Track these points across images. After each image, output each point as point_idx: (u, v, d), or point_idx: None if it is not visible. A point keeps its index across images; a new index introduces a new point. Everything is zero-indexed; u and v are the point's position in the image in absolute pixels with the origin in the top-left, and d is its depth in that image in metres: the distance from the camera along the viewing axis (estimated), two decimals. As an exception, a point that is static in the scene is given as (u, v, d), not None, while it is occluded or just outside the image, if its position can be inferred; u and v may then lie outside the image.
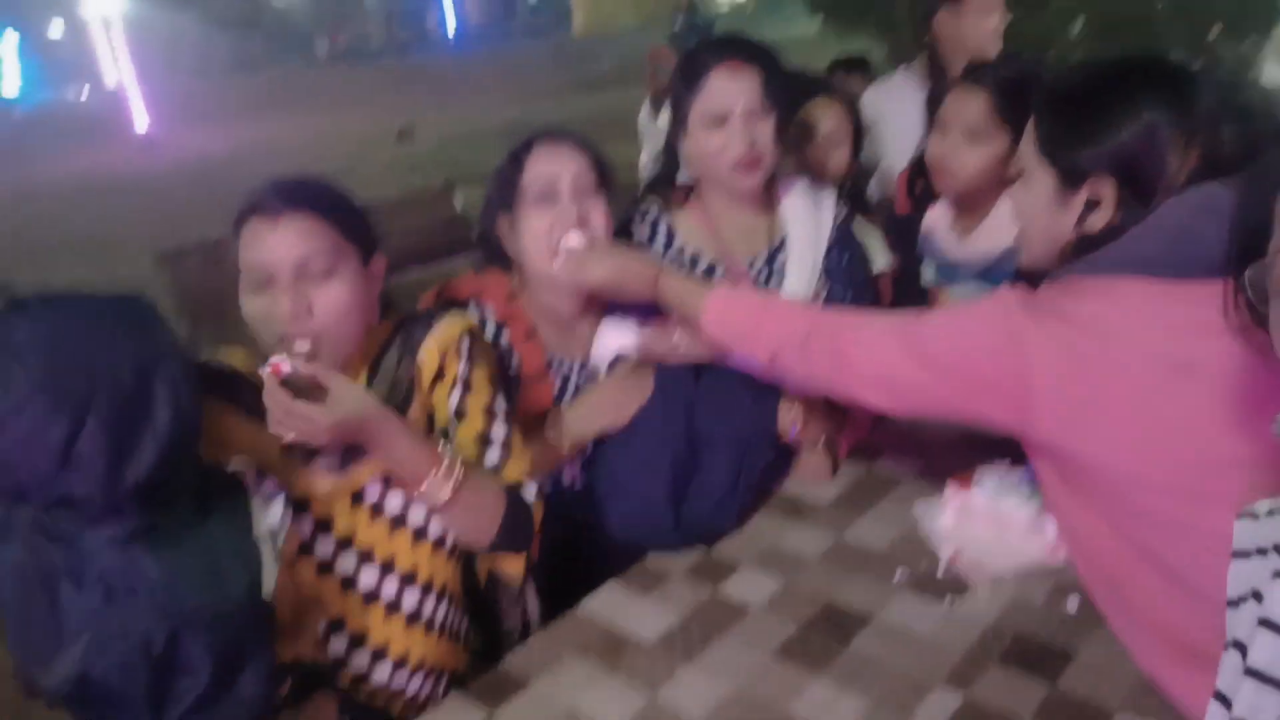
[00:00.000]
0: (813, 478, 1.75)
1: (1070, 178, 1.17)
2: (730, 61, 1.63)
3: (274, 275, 1.23)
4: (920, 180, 2.10)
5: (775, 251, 1.79)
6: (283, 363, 1.14)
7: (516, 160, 1.59)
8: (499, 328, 1.62)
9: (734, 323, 1.45)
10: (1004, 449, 1.75)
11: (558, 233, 1.55)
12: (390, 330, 1.39)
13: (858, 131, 2.13)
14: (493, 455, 1.40)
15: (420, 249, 6.79)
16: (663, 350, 1.61)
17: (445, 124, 13.89)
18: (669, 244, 1.78)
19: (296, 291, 1.23)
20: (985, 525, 1.51)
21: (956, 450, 1.79)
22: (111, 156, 15.67)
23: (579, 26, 30.11)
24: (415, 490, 1.27)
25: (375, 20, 37.48)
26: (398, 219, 7.16)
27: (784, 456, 1.79)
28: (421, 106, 15.90)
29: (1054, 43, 5.67)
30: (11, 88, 33.90)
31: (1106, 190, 1.15)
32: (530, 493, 1.41)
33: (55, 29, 33.54)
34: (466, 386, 1.38)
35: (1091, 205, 1.16)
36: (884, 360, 1.28)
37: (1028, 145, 1.23)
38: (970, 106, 1.81)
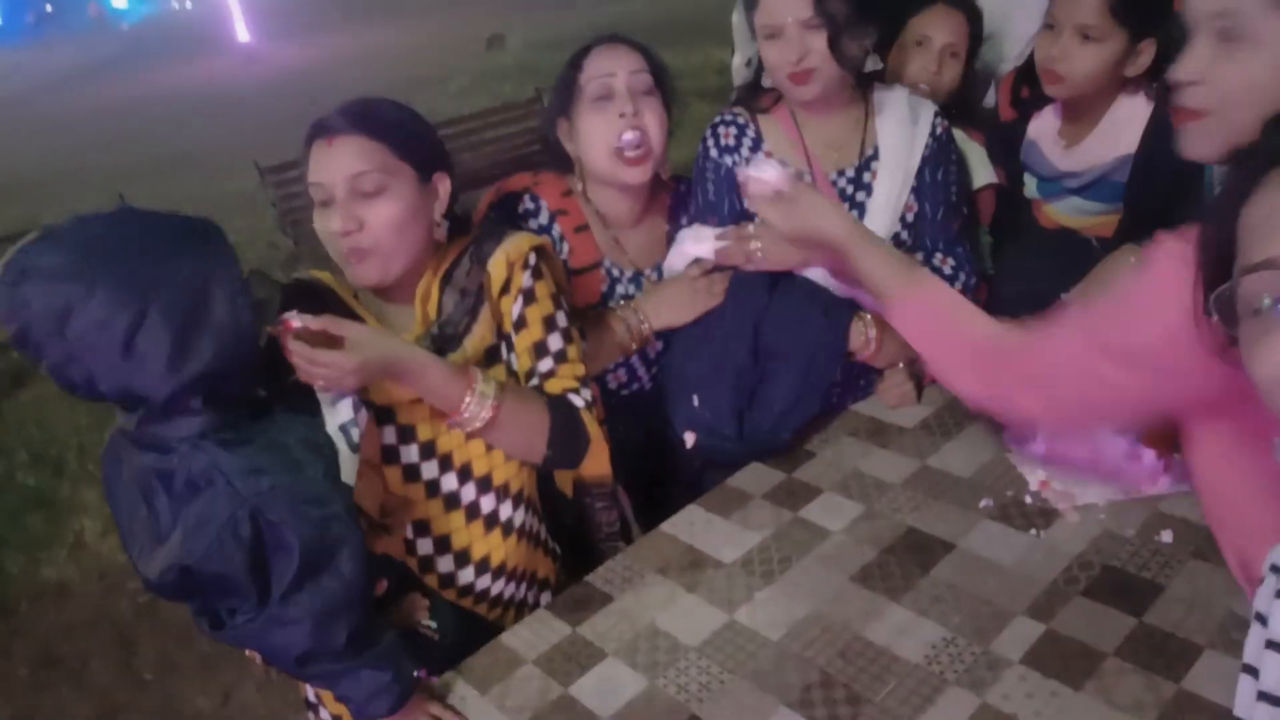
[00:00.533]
0: (895, 402, 1.72)
1: None
2: None
3: (330, 194, 1.31)
4: (1025, 85, 1.98)
5: (864, 165, 1.73)
6: (293, 319, 1.18)
7: (575, 64, 1.63)
8: (551, 217, 1.66)
9: (922, 333, 1.29)
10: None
11: (615, 130, 1.58)
12: (463, 245, 1.44)
13: (975, 41, 1.99)
14: (545, 364, 1.43)
15: (513, 159, 6.84)
16: (739, 259, 1.60)
17: (534, 29, 13.73)
18: (755, 149, 1.75)
19: (349, 209, 1.31)
20: (1079, 452, 1.47)
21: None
22: (215, 69, 16.06)
23: (672, -80, 29.00)
24: (454, 417, 1.31)
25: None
26: (490, 129, 7.22)
27: (865, 376, 1.77)
28: (513, 10, 15.71)
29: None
30: (120, 0, 34.85)
31: None
32: (580, 400, 1.43)
33: (158, -59, 34.07)
34: (529, 297, 1.42)
35: None
36: (1081, 374, 1.09)
37: None
38: (1084, 3, 1.69)
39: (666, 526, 1.51)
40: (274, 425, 1.14)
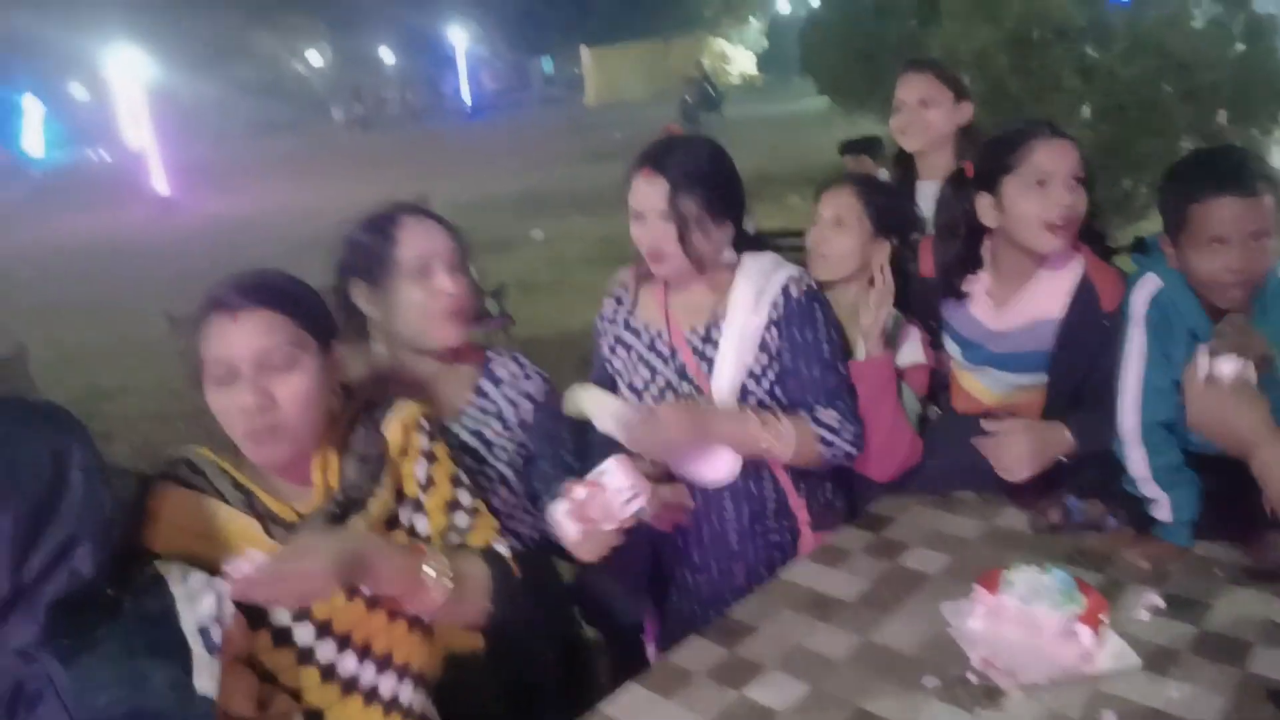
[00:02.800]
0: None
1: None
2: (646, 169, 1.80)
3: (236, 369, 1.27)
4: (955, 246, 1.99)
5: (714, 324, 1.87)
6: (238, 566, 1.14)
7: (384, 233, 1.66)
8: None
9: None
10: (1029, 546, 1.74)
11: (436, 304, 1.65)
12: (354, 412, 1.43)
13: (876, 210, 2.03)
14: (461, 519, 1.46)
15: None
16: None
17: (458, 191, 14.07)
18: (629, 317, 1.96)
19: (258, 385, 1.27)
20: (1016, 630, 1.48)
21: (983, 546, 1.78)
22: (131, 218, 15.90)
23: (591, 96, 30.77)
24: (418, 596, 1.29)
25: (393, 88, 38.41)
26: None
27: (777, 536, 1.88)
28: (435, 173, 16.15)
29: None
30: (36, 147, 34.68)
31: None
32: (505, 549, 1.48)
33: (79, 91, 34.35)
34: (431, 458, 1.46)
35: None
36: None
37: None
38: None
39: (603, 710, 1.44)
40: (119, 630, 1.05)
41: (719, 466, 1.84)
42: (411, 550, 1.32)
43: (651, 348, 1.91)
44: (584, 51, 31.81)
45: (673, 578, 1.94)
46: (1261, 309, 1.63)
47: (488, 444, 1.75)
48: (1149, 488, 1.69)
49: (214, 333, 1.28)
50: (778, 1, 31.58)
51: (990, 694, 1.38)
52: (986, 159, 1.89)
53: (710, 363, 1.85)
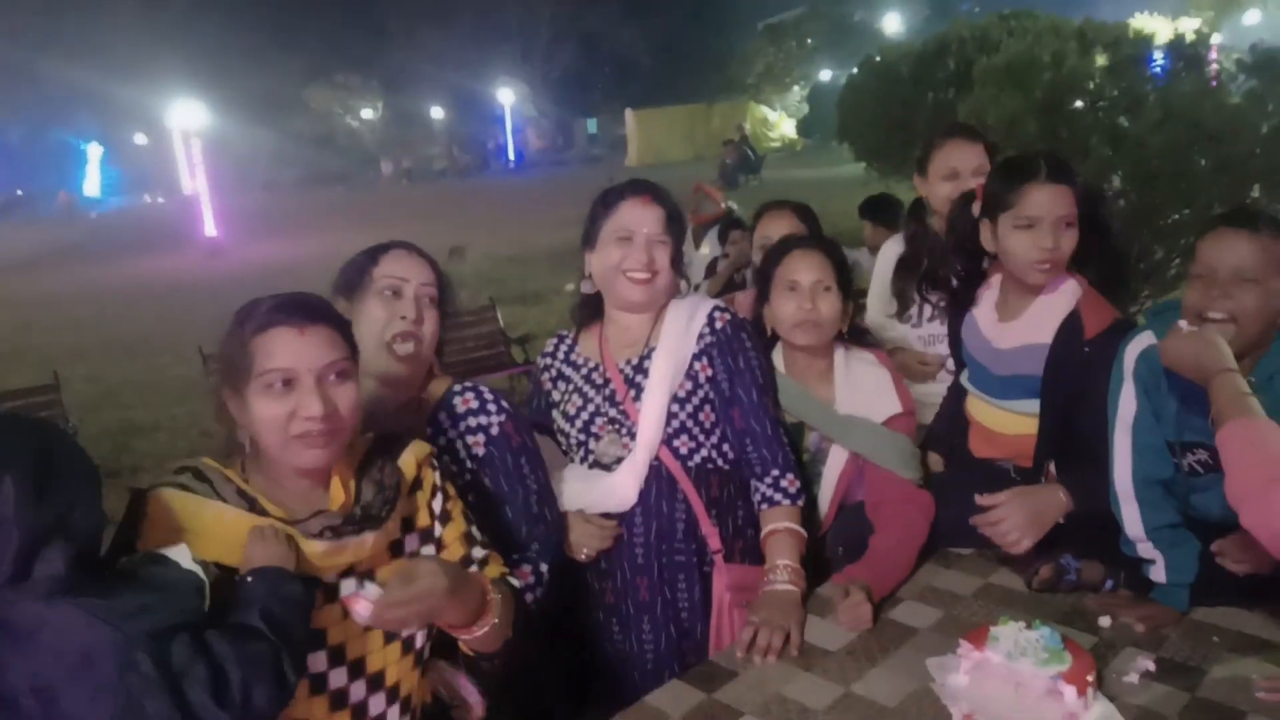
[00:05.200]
0: (851, 624, 1.68)
1: None
2: (643, 195, 1.92)
3: (298, 379, 1.32)
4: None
5: (646, 355, 1.96)
6: (358, 596, 1.28)
7: (372, 254, 1.77)
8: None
9: (1235, 452, 1.41)
10: (1023, 604, 1.70)
11: (392, 329, 1.67)
12: (369, 442, 1.48)
13: (842, 271, 2.07)
14: (479, 551, 1.54)
15: (463, 363, 6.94)
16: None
17: (497, 244, 14.31)
18: (569, 353, 2.07)
19: (322, 393, 1.33)
20: (1000, 686, 1.44)
21: (976, 603, 1.75)
22: (180, 260, 16.33)
23: (633, 157, 31.20)
24: (467, 629, 1.41)
25: (441, 143, 39.36)
26: (445, 332, 7.35)
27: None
28: (476, 225, 16.44)
29: (1094, 194, 5.73)
30: (93, 188, 35.93)
31: None
32: (519, 582, 1.58)
33: (140, 139, 35.63)
34: (445, 494, 1.52)
35: None
36: None
37: None
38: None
39: (579, 749, 1.43)
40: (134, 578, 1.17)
41: (618, 495, 1.87)
42: (477, 578, 1.43)
43: (588, 379, 2.01)
44: (628, 114, 32.38)
45: (577, 581, 1.91)
46: (1267, 378, 1.60)
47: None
48: (1145, 548, 1.65)
49: (277, 344, 1.33)
50: (820, 69, 32.04)
51: (969, 750, 1.35)
52: (989, 191, 1.94)
53: (639, 388, 1.93)
